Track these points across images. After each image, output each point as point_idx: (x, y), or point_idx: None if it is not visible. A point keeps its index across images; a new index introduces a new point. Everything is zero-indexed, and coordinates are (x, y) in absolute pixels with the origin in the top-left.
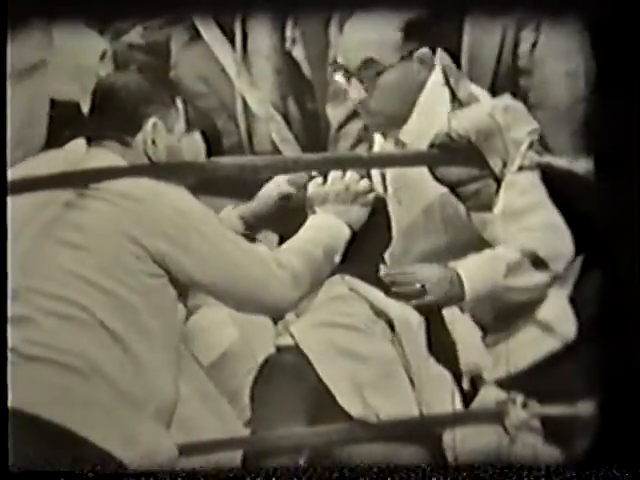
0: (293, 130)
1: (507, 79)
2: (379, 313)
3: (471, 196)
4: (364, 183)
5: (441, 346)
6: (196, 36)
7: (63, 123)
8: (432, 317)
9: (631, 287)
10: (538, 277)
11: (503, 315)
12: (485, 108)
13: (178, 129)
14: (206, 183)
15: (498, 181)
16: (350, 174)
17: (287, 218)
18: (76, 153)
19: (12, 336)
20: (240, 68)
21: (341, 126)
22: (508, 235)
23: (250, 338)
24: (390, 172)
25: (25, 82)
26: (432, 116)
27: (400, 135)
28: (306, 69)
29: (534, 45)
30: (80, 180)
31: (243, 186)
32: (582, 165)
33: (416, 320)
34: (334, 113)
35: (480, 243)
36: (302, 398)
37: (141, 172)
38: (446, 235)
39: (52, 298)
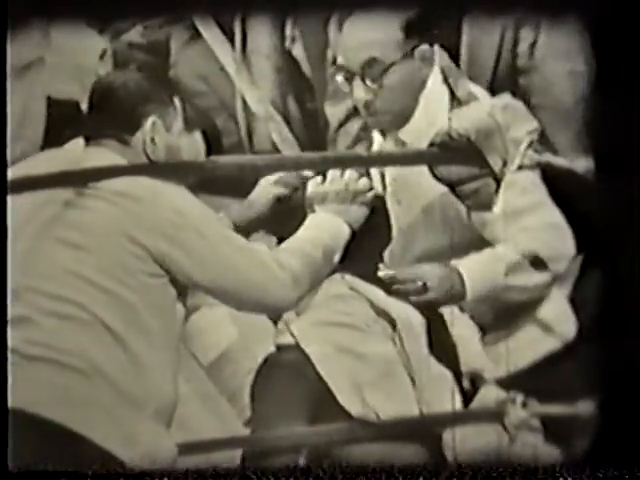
0: (293, 129)
1: (506, 78)
2: (380, 312)
3: (471, 195)
4: (363, 182)
5: (441, 346)
6: (196, 35)
7: (63, 122)
8: (432, 317)
9: (631, 287)
10: (539, 277)
11: (503, 314)
12: (485, 107)
13: (176, 128)
14: (206, 182)
15: (498, 180)
16: (349, 173)
17: (283, 219)
18: (75, 152)
19: (12, 336)
20: (240, 67)
21: (340, 125)
22: (508, 235)
23: (250, 338)
24: (389, 171)
25: (21, 79)
26: (432, 115)
27: (400, 134)
28: (306, 68)
29: (533, 44)
30: (80, 179)
31: (243, 185)
32: (582, 165)
33: (417, 319)
34: (333, 112)
35: (480, 242)
36: (302, 397)
37: (141, 171)
38: (446, 234)
39: (52, 298)
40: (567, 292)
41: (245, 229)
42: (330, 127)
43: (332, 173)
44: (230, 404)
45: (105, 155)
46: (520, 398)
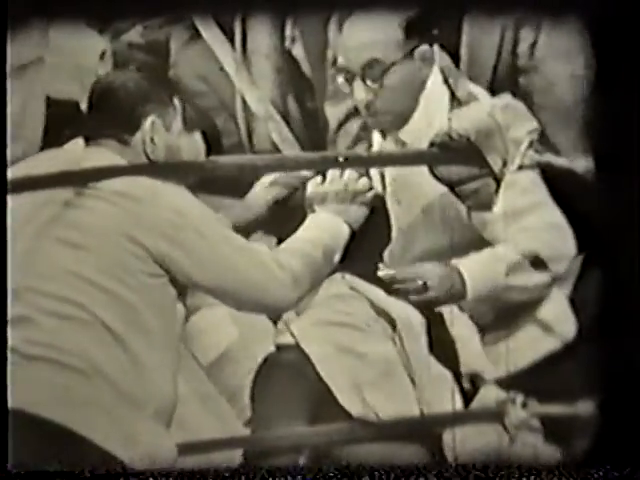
0: (293, 129)
1: (506, 78)
2: (380, 312)
3: (471, 195)
4: (363, 181)
5: (441, 346)
6: (196, 35)
7: (64, 122)
8: (432, 317)
9: (631, 287)
10: (539, 277)
11: (503, 314)
12: (485, 107)
13: (176, 127)
14: (206, 182)
15: (498, 180)
16: (349, 173)
17: (282, 220)
18: (75, 152)
19: (12, 336)
20: (240, 67)
21: (340, 125)
22: (509, 235)
23: (250, 338)
24: (389, 172)
25: (20, 79)
26: (432, 115)
27: (400, 134)
28: (306, 68)
29: (534, 45)
30: (80, 179)
31: (243, 185)
32: (582, 164)
33: (417, 319)
34: (333, 112)
35: (480, 243)
36: (302, 397)
37: (141, 171)
38: (446, 234)
39: (52, 298)
40: (567, 292)
41: (244, 230)
42: (330, 127)
43: (332, 173)
44: (230, 404)
45: (105, 155)
46: (520, 398)
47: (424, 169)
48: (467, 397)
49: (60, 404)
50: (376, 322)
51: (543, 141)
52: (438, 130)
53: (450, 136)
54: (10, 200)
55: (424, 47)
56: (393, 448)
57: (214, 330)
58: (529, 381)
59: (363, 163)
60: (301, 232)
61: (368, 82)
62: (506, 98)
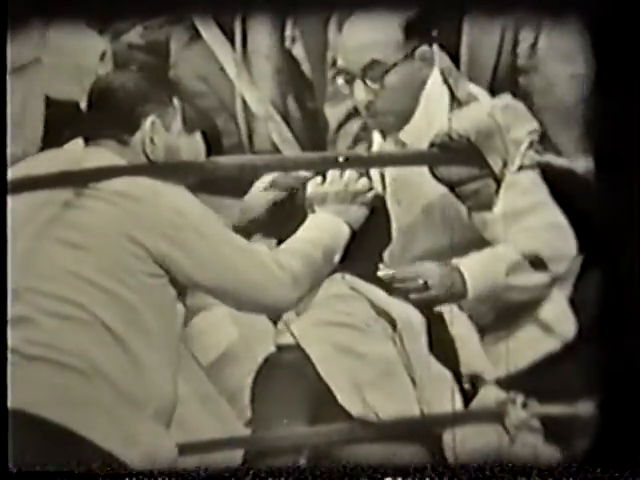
0: (293, 129)
1: (506, 79)
2: (380, 312)
3: (471, 196)
4: (363, 182)
5: (441, 346)
6: (196, 36)
7: (64, 123)
8: (432, 317)
9: (631, 287)
10: (539, 277)
11: (504, 315)
12: (485, 108)
13: (175, 128)
14: (206, 182)
15: (498, 181)
16: (349, 173)
17: (281, 222)
18: (75, 153)
19: (12, 336)
20: (240, 68)
21: (340, 126)
22: (509, 235)
23: (250, 338)
24: (389, 172)
25: (18, 79)
26: (432, 116)
27: (400, 135)
28: (306, 67)
29: (534, 45)
30: (80, 180)
31: (243, 185)
32: (582, 165)
33: (417, 319)
34: (332, 113)
35: (481, 243)
36: (302, 397)
37: (141, 171)
38: (446, 235)
39: (52, 298)
40: (567, 292)
41: (244, 231)
42: (330, 128)
43: (332, 174)
44: (230, 405)
45: (104, 155)
46: (520, 398)
47: (424, 169)
48: (467, 397)
49: (60, 404)
50: (376, 322)
51: (545, 142)
52: (438, 130)
53: (450, 136)
54: (10, 200)
55: (424, 47)
56: (393, 448)
57: (214, 330)
58: (529, 381)
59: (363, 163)
60: (301, 232)
61: (368, 83)
62: (506, 98)
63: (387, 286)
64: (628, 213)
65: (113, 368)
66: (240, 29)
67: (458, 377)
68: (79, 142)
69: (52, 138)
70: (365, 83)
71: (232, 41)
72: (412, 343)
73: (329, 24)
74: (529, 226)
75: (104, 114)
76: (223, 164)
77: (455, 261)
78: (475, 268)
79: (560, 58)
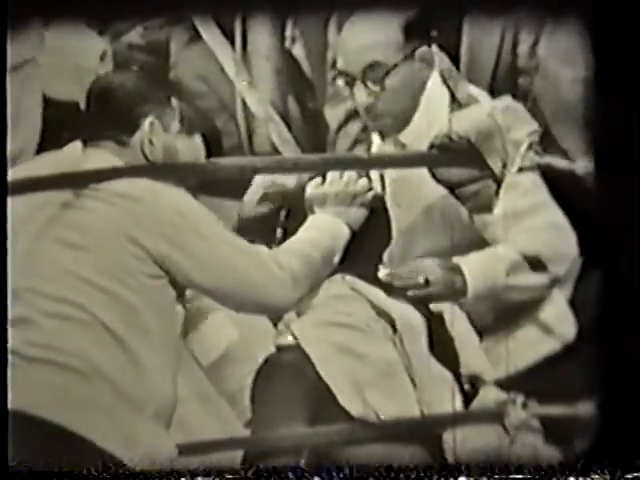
0: (293, 130)
1: (506, 79)
2: (380, 313)
3: (471, 197)
4: (362, 182)
5: (442, 346)
6: (196, 36)
7: (64, 123)
8: (433, 318)
9: (631, 287)
10: (540, 277)
11: (504, 315)
12: (485, 109)
13: (174, 128)
14: (206, 183)
15: (498, 182)
16: (348, 174)
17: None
18: (74, 154)
19: (12, 337)
20: (240, 68)
21: (340, 127)
22: (510, 236)
23: (250, 338)
24: (389, 174)
25: (14, 78)
26: (432, 117)
27: (400, 136)
28: (306, 67)
29: (533, 45)
30: (80, 181)
31: (243, 186)
32: (582, 165)
33: (417, 320)
34: (332, 114)
35: (481, 244)
36: (303, 397)
37: (141, 172)
38: (446, 236)
39: (52, 299)
40: (567, 293)
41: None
42: (330, 129)
43: (331, 175)
44: (230, 405)
45: (104, 157)
46: (520, 399)
47: (424, 171)
48: (467, 398)
49: (60, 405)
50: (377, 323)
51: (552, 144)
52: (438, 132)
53: (450, 138)
54: (10, 201)
55: (424, 48)
56: (393, 449)
57: (214, 331)
58: (529, 382)
59: (363, 165)
60: (301, 233)
61: (369, 85)
62: (506, 100)
63: (387, 287)
64: (628, 213)
65: (113, 369)
66: (240, 29)
67: (458, 378)
68: (78, 144)
69: (53, 138)
70: (366, 85)
71: (232, 41)
72: (412, 344)
73: (329, 24)
74: (529, 227)
75: (103, 114)
76: (223, 165)
77: (455, 259)
78: (475, 266)
79: (560, 58)
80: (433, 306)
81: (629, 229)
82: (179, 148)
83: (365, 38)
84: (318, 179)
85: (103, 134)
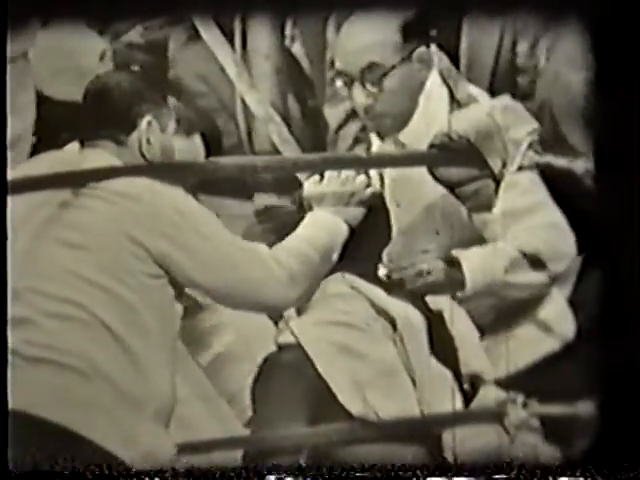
0: (293, 129)
1: (506, 79)
2: (380, 312)
3: (470, 196)
4: (360, 180)
5: (442, 346)
6: (195, 36)
7: (65, 123)
8: (433, 317)
9: (631, 287)
10: (538, 276)
11: (503, 314)
12: (484, 108)
13: (171, 128)
14: (206, 183)
15: (497, 181)
16: (346, 172)
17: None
18: (72, 154)
19: (12, 337)
20: (240, 68)
21: (339, 127)
22: (509, 235)
23: (250, 338)
24: (388, 173)
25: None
26: (431, 117)
27: (400, 136)
28: (306, 66)
29: (533, 45)
30: (80, 180)
31: (243, 186)
32: (582, 165)
33: (418, 319)
34: (332, 114)
35: (481, 243)
36: (302, 396)
37: (141, 172)
38: (446, 235)
39: (52, 298)
40: (567, 292)
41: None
42: (329, 129)
43: (329, 173)
44: (230, 405)
45: (102, 157)
46: (520, 398)
47: (423, 170)
48: (467, 397)
49: (60, 405)
50: (376, 322)
51: (562, 143)
52: (437, 131)
53: (450, 137)
54: (10, 201)
55: (422, 49)
56: (393, 448)
57: (214, 330)
58: (529, 381)
59: (363, 164)
60: (299, 230)
61: (367, 86)
62: (505, 99)
63: (387, 286)
64: (628, 213)
65: (113, 368)
66: (240, 29)
67: (458, 377)
68: (76, 144)
69: (53, 138)
70: (364, 86)
71: (232, 41)
72: (412, 343)
73: (328, 24)
74: (528, 226)
75: (100, 114)
76: (223, 165)
77: (455, 252)
78: (474, 260)
79: (559, 58)
80: (433, 305)
81: (629, 229)
82: (177, 147)
83: (363, 39)
84: (316, 177)
85: (101, 134)
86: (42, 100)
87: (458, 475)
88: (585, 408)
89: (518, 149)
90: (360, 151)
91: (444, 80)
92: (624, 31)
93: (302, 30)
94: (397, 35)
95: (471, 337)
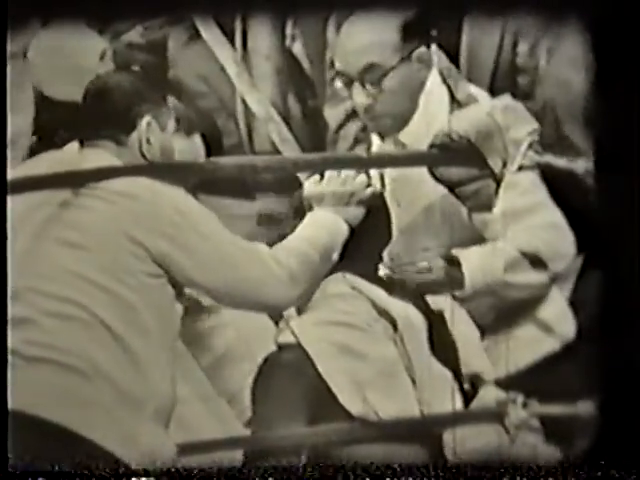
0: (293, 129)
1: (506, 79)
2: (381, 312)
3: (471, 196)
4: (360, 179)
5: (442, 346)
6: (195, 35)
7: (65, 123)
8: (433, 317)
9: (631, 287)
10: (538, 275)
11: (503, 314)
12: (484, 108)
13: (171, 128)
14: (206, 183)
15: (497, 181)
16: (346, 172)
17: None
18: (72, 154)
19: (12, 337)
20: (240, 68)
21: (339, 127)
22: (509, 235)
23: (250, 338)
24: (389, 173)
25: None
26: (431, 117)
27: (400, 136)
28: (306, 65)
29: (533, 45)
30: (80, 180)
31: (243, 186)
32: (582, 165)
33: (418, 319)
34: (332, 114)
35: (481, 243)
36: (303, 396)
37: (141, 172)
38: (446, 235)
39: (52, 298)
40: (567, 292)
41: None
42: (329, 129)
43: (330, 173)
44: (230, 405)
45: (102, 157)
46: (520, 398)
47: (424, 170)
48: (467, 397)
49: (60, 404)
50: (377, 322)
51: (566, 143)
52: (438, 131)
53: (450, 137)
54: (9, 201)
55: (422, 49)
56: (393, 448)
57: (214, 330)
58: (529, 381)
59: (363, 164)
60: (299, 230)
61: (367, 86)
62: (505, 99)
63: (388, 286)
64: (628, 213)
65: (113, 368)
66: (240, 29)
67: (458, 377)
68: (76, 144)
69: (52, 138)
70: (363, 86)
71: (232, 41)
72: (413, 343)
73: (328, 24)
74: (528, 226)
75: (100, 114)
76: (223, 165)
77: (455, 251)
78: (473, 259)
79: (559, 57)
80: (434, 305)
81: (629, 229)
82: (177, 147)
83: (362, 39)
84: (316, 177)
85: (101, 133)
86: (42, 100)
87: (458, 475)
88: (585, 408)
89: (518, 149)
90: (360, 151)
91: (444, 80)
92: (624, 31)
93: (302, 30)
94: (397, 35)
95: (472, 337)
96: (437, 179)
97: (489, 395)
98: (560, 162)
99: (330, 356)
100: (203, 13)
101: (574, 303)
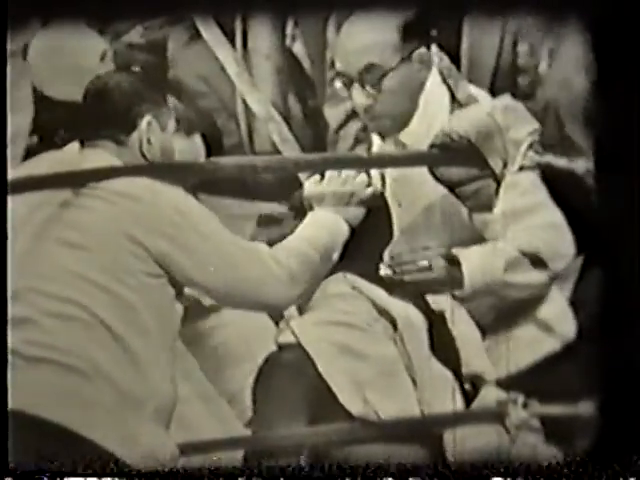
0: (294, 129)
1: (506, 79)
2: (381, 312)
3: (471, 196)
4: (360, 179)
5: (442, 346)
6: (196, 35)
7: (65, 123)
8: (434, 317)
9: (631, 287)
10: (538, 275)
11: (504, 315)
12: (485, 108)
13: (171, 128)
14: (206, 183)
15: (498, 181)
16: (346, 172)
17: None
18: (72, 154)
19: (12, 337)
20: (240, 68)
21: (340, 127)
22: (509, 235)
23: (250, 338)
24: (389, 173)
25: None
26: (432, 117)
27: (400, 136)
28: (307, 65)
29: (534, 45)
30: (80, 180)
31: (243, 186)
32: (582, 165)
33: (418, 319)
34: (332, 114)
35: (482, 243)
36: (303, 396)
37: (141, 172)
38: (447, 235)
39: (52, 298)
40: (567, 292)
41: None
42: (330, 129)
43: (330, 173)
44: (231, 405)
45: (102, 157)
46: (521, 398)
47: (424, 170)
48: (468, 397)
49: (61, 405)
50: (377, 322)
51: (569, 144)
52: (438, 131)
53: (450, 137)
54: (10, 201)
55: (422, 50)
56: (393, 448)
57: (214, 330)
58: (529, 381)
59: (364, 164)
60: (300, 230)
61: (367, 87)
62: (506, 99)
63: (388, 286)
64: (628, 213)
65: (113, 368)
66: (240, 29)
67: (459, 377)
68: (76, 144)
69: (52, 138)
70: (363, 87)
71: (232, 41)
72: (413, 343)
73: (328, 24)
74: (528, 226)
75: (100, 114)
76: (223, 165)
77: (454, 250)
78: (473, 259)
79: (559, 57)
80: (434, 305)
81: (629, 229)
82: (177, 147)
83: (362, 40)
84: (316, 177)
85: (101, 134)
86: (42, 100)
87: (458, 475)
88: (585, 408)
89: (518, 149)
90: (361, 151)
91: (444, 80)
92: (624, 31)
93: (303, 30)
94: (397, 35)
95: (472, 337)
96: (437, 179)
97: (490, 395)
98: (560, 162)
99: (330, 356)
100: (203, 13)
101: (574, 303)
